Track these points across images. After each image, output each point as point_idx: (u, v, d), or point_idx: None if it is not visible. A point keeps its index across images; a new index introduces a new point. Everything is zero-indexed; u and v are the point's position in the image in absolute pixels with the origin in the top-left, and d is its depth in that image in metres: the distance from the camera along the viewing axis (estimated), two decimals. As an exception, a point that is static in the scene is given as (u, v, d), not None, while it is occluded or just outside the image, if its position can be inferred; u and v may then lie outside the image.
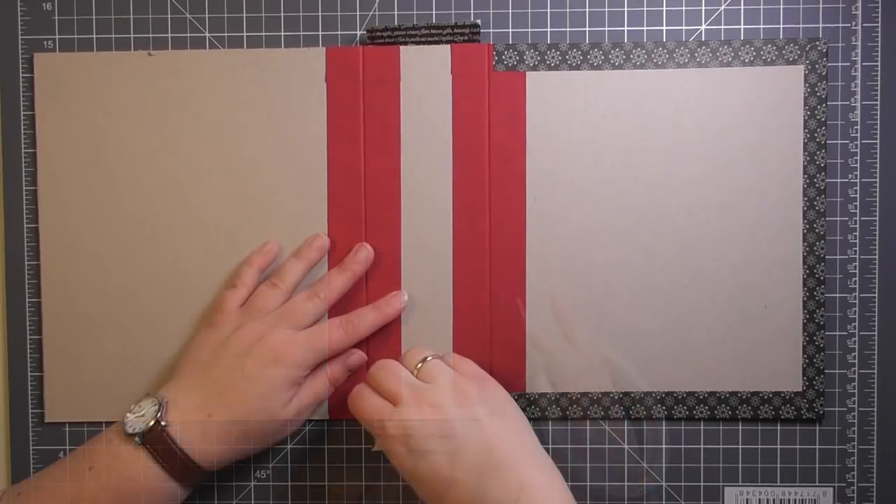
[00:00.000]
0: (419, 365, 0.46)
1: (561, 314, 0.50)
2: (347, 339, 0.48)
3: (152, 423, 0.44)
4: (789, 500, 0.51)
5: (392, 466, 0.44)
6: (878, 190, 0.50)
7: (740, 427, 0.51)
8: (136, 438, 0.44)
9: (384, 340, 0.50)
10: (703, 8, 0.50)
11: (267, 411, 0.46)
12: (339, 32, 0.51)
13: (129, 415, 0.45)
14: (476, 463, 0.41)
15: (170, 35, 0.51)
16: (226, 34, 0.51)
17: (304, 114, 0.50)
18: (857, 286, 0.51)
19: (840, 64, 0.50)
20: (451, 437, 0.42)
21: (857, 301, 0.51)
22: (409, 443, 0.42)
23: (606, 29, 0.50)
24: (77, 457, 0.45)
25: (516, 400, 0.50)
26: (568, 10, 0.50)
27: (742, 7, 0.50)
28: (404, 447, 0.42)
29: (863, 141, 0.50)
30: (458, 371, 0.46)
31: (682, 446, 0.51)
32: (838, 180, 0.50)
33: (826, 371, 0.51)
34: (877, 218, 0.50)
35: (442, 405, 0.43)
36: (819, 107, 0.49)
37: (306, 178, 0.50)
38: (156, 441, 0.44)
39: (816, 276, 0.50)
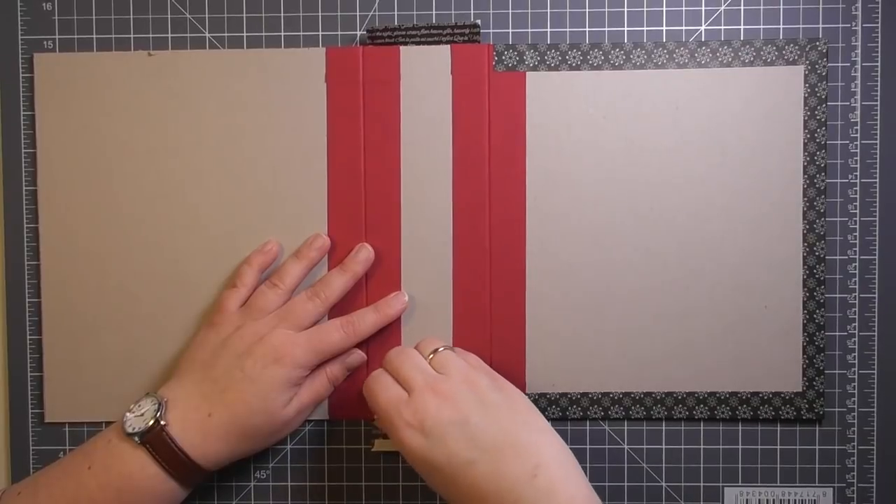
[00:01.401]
0: (431, 355, 0.46)
1: None
2: (348, 339, 0.48)
3: (152, 422, 0.44)
4: (789, 500, 0.51)
5: (402, 462, 0.44)
6: (878, 190, 0.50)
7: (740, 427, 0.51)
8: (136, 438, 0.44)
9: (384, 340, 0.50)
10: (703, 8, 0.50)
11: (267, 411, 0.46)
12: (339, 32, 0.51)
13: (128, 414, 0.45)
14: (492, 443, 0.42)
15: (170, 35, 0.51)
16: (226, 34, 0.51)
17: (304, 114, 0.50)
18: (857, 286, 0.51)
19: (840, 64, 0.50)
20: (467, 422, 0.42)
21: (857, 301, 0.51)
22: (425, 428, 0.42)
23: (606, 29, 0.50)
24: (76, 456, 0.45)
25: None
26: (568, 10, 0.50)
27: (742, 7, 0.50)
28: (420, 433, 0.42)
29: (863, 141, 0.50)
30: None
31: (682, 446, 0.51)
32: (838, 180, 0.50)
33: (826, 371, 0.51)
34: (877, 218, 0.50)
35: (456, 393, 0.43)
36: (819, 107, 0.49)
37: (306, 178, 0.50)
38: (155, 441, 0.44)
39: (816, 276, 0.50)
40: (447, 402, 0.43)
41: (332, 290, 0.49)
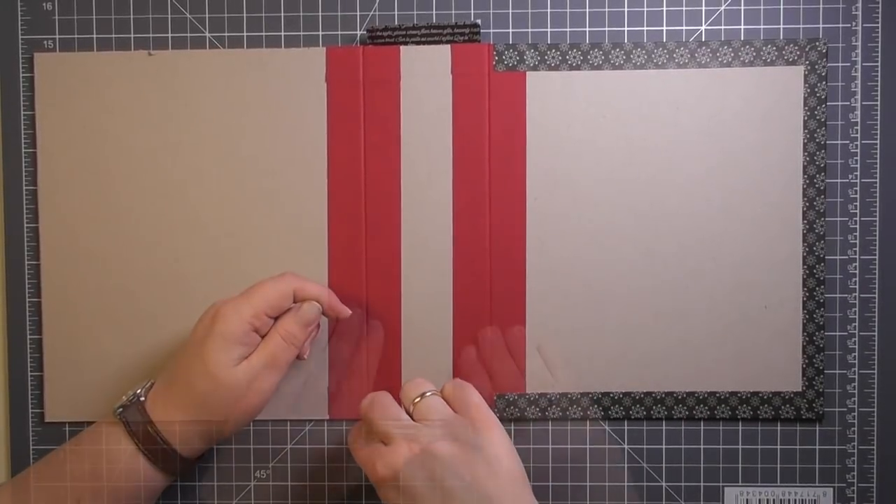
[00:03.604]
0: (416, 400, 0.44)
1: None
2: (282, 280, 0.46)
3: (131, 395, 0.45)
4: (789, 500, 0.51)
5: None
6: (878, 190, 0.50)
7: (740, 427, 0.51)
8: (119, 410, 0.45)
9: (384, 339, 0.50)
10: (704, 8, 0.50)
11: (209, 374, 0.44)
12: (339, 32, 0.51)
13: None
14: None
15: (170, 35, 0.51)
16: (226, 34, 0.51)
17: (304, 114, 0.50)
18: (857, 286, 0.51)
19: (840, 64, 0.50)
20: (442, 484, 0.41)
21: (857, 301, 0.51)
22: (400, 484, 0.41)
23: (607, 29, 0.50)
24: (73, 438, 0.46)
25: (516, 400, 0.50)
26: (568, 10, 0.50)
27: (742, 7, 0.50)
28: (394, 489, 0.42)
29: (863, 141, 0.50)
30: (457, 403, 0.44)
31: (682, 446, 0.51)
32: (838, 180, 0.50)
33: (826, 371, 0.51)
34: (877, 218, 0.50)
35: (433, 449, 0.42)
36: (819, 107, 0.49)
37: (306, 178, 0.50)
38: (130, 414, 0.44)
39: (816, 276, 0.50)
40: (423, 458, 0.41)
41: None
